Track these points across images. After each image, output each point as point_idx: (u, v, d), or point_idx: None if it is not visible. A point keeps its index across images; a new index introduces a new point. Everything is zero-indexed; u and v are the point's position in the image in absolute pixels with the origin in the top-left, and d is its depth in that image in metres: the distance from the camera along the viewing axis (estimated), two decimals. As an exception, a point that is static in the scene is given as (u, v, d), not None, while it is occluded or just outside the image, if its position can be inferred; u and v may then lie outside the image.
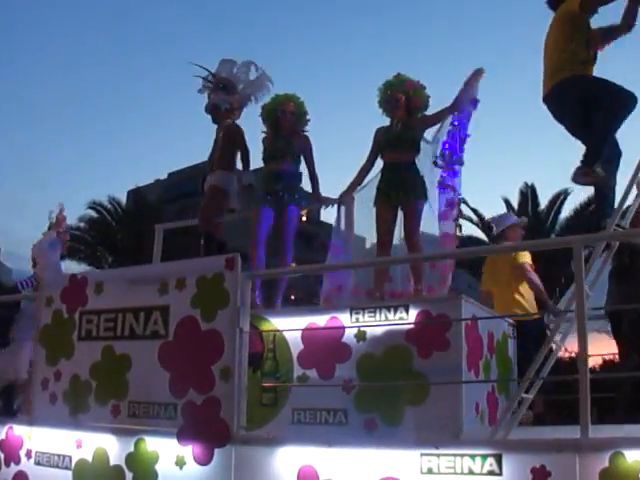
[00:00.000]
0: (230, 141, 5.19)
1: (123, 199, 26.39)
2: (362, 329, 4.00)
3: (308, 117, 5.21)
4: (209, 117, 5.43)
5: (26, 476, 4.36)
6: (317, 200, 5.12)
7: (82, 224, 23.35)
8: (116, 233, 24.08)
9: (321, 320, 4.18)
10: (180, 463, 3.70)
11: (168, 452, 3.75)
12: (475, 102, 4.84)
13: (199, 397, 3.71)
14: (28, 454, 4.36)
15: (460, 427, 3.53)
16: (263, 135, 5.31)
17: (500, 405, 4.24)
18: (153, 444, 3.83)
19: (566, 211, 19.62)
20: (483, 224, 18.17)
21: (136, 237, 21.93)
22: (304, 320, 4.22)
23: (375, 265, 4.66)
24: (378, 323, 3.98)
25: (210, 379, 3.68)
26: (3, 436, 4.58)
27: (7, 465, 4.51)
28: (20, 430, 4.48)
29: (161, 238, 5.63)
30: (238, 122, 5.43)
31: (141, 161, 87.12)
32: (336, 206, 4.98)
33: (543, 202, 19.84)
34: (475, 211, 19.16)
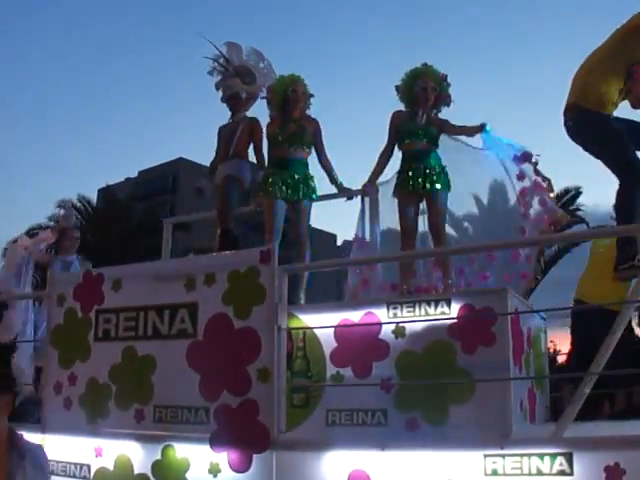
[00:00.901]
0: (251, 136, 4.98)
1: (93, 198, 26.09)
2: (400, 325, 3.83)
3: (312, 99, 4.99)
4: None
5: (39, 487, 4.05)
6: (339, 191, 4.91)
7: (52, 223, 22.80)
8: (86, 232, 23.77)
9: (355, 316, 3.99)
10: (214, 471, 3.46)
11: (200, 459, 3.51)
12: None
13: (234, 400, 3.47)
14: (39, 463, 4.05)
15: (509, 426, 3.39)
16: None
17: (538, 401, 4.12)
18: (183, 451, 3.58)
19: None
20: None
21: (106, 236, 21.77)
22: (336, 316, 4.02)
23: (411, 258, 4.48)
24: (419, 318, 3.82)
25: (246, 380, 3.45)
26: (12, 445, 4.26)
27: (17, 475, 4.19)
28: (30, 437, 4.15)
29: (170, 233, 5.34)
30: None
31: (112, 159, 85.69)
32: (359, 197, 4.78)
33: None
34: None
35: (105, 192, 27.04)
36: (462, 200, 4.98)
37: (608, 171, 3.95)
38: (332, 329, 3.96)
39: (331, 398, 3.90)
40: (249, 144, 5.05)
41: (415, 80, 4.73)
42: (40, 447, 2.45)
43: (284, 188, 4.70)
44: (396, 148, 4.82)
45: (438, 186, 4.54)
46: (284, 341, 3.50)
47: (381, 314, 3.92)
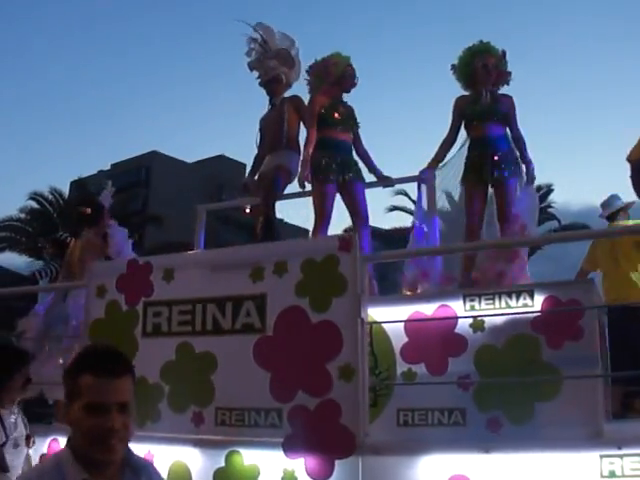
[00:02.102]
0: (299, 117, 4.66)
1: (65, 190, 25.34)
2: (479, 318, 3.59)
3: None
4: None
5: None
6: (382, 178, 4.66)
7: (23, 215, 22.43)
8: (58, 224, 23.15)
9: (428, 309, 3.73)
10: (289, 478, 3.13)
11: (272, 466, 3.18)
12: None
13: (312, 401, 3.15)
14: (78, 471, 3.66)
15: (600, 424, 3.19)
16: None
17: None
18: (251, 457, 3.24)
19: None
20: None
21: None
22: (407, 309, 3.76)
23: (489, 248, 4.22)
24: (500, 311, 3.58)
25: (326, 379, 3.13)
26: (45, 450, 3.85)
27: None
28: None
29: (204, 220, 4.96)
30: None
31: (84, 152, 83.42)
32: (416, 185, 4.51)
33: None
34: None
35: (77, 184, 26.27)
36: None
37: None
38: (401, 324, 3.70)
39: (402, 397, 3.64)
40: (299, 127, 4.74)
41: (474, 57, 4.49)
42: (151, 464, 2.12)
43: (335, 170, 4.41)
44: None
45: (507, 173, 4.30)
46: (367, 335, 3.21)
47: (457, 307, 3.68)
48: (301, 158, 4.47)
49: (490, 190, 4.39)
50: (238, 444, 3.27)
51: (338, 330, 3.15)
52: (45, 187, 23.70)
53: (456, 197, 4.54)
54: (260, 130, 5.01)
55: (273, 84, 4.86)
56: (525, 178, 4.36)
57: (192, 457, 3.39)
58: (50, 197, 23.11)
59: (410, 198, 18.52)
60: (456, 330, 3.63)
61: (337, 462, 3.07)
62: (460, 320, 3.62)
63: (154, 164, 34.27)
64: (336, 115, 4.51)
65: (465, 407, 3.53)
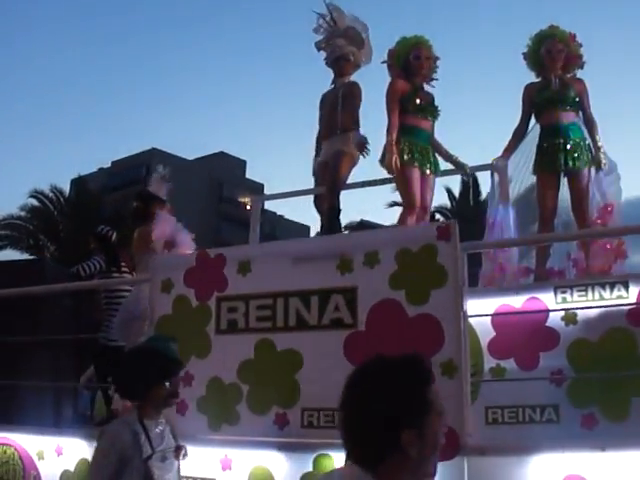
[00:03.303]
0: (357, 101, 4.47)
1: (66, 188, 25.30)
2: (571, 311, 3.43)
3: (439, 63, 4.52)
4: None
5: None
6: (459, 166, 4.48)
7: (23, 213, 22.33)
8: (58, 222, 22.97)
9: (516, 301, 3.55)
10: (386, 483, 2.94)
11: (367, 470, 2.98)
12: None
13: (411, 399, 2.95)
14: (147, 478, 3.44)
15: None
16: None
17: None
18: (343, 461, 3.03)
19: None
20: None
21: (78, 226, 21.12)
22: (494, 302, 3.58)
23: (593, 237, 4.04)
24: (593, 303, 3.42)
25: (426, 376, 2.93)
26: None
27: (113, 491, 3.57)
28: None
29: (259, 210, 4.74)
30: None
31: (85, 150, 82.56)
32: (489, 174, 4.34)
33: (485, 191, 19.80)
34: None
35: (78, 182, 26.03)
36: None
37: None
38: (488, 317, 3.53)
39: (490, 394, 3.47)
40: (355, 112, 4.54)
41: (540, 43, 4.33)
42: None
43: (418, 157, 4.22)
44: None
45: (580, 163, 4.14)
46: (466, 330, 3.02)
47: (547, 299, 3.52)
48: (384, 143, 4.25)
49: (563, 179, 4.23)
50: (328, 447, 3.05)
51: (438, 324, 2.95)
52: (46, 185, 23.71)
53: (526, 186, 4.38)
54: (320, 109, 4.83)
55: (340, 62, 4.66)
56: (602, 165, 4.18)
57: (275, 461, 3.18)
58: (51, 195, 23.09)
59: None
60: (547, 323, 3.47)
61: (440, 464, 2.88)
62: (552, 313, 3.46)
63: (154, 161, 33.67)
64: (417, 101, 4.33)
65: (558, 403, 3.38)
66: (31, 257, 20.10)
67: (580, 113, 4.30)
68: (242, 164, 40.42)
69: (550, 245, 4.16)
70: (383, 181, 4.50)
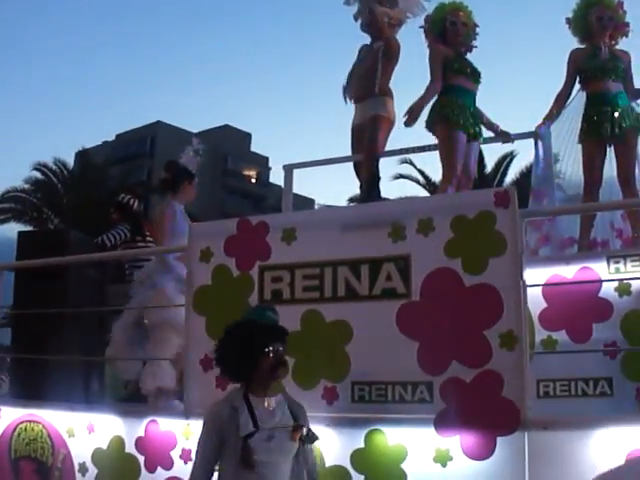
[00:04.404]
0: (394, 58, 4.29)
1: (70, 161, 24.93)
2: (625, 282, 3.31)
3: (478, 30, 4.34)
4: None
5: (184, 484, 3.36)
6: (501, 134, 4.33)
7: (27, 186, 22.03)
8: (62, 195, 22.76)
9: (568, 271, 3.43)
10: (442, 459, 2.83)
11: (421, 446, 2.88)
12: None
13: (468, 372, 2.84)
14: (185, 456, 3.35)
15: None
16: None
17: None
18: (396, 436, 2.94)
19: (512, 174, 19.05)
20: (429, 185, 17.74)
21: (82, 199, 20.97)
22: (545, 272, 3.46)
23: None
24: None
25: (485, 348, 2.82)
26: (141, 433, 3.54)
27: (151, 470, 3.48)
28: (170, 424, 3.46)
29: (292, 179, 4.59)
30: None
31: (89, 123, 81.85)
32: (533, 141, 4.18)
33: (490, 164, 19.47)
34: (422, 172, 18.71)
35: (82, 155, 25.72)
36: None
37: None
38: (539, 288, 3.41)
39: (541, 367, 3.36)
40: (392, 74, 4.37)
41: (588, 9, 4.15)
42: None
43: (463, 120, 4.06)
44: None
45: (628, 130, 3.99)
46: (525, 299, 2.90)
47: (600, 269, 3.39)
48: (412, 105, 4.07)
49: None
50: (380, 422, 2.96)
51: (497, 293, 2.83)
52: (49, 158, 23.66)
53: (571, 155, 4.23)
54: (358, 56, 4.63)
55: (373, 27, 4.47)
56: None
57: (324, 437, 3.06)
58: (54, 168, 22.61)
59: (415, 167, 18.09)
60: (600, 294, 3.36)
61: (499, 439, 2.78)
62: (605, 284, 3.34)
63: (159, 134, 33.47)
64: (463, 64, 4.21)
65: (612, 376, 3.29)
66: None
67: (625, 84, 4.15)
68: (247, 137, 40.02)
69: (594, 215, 4.03)
70: (422, 148, 4.35)
